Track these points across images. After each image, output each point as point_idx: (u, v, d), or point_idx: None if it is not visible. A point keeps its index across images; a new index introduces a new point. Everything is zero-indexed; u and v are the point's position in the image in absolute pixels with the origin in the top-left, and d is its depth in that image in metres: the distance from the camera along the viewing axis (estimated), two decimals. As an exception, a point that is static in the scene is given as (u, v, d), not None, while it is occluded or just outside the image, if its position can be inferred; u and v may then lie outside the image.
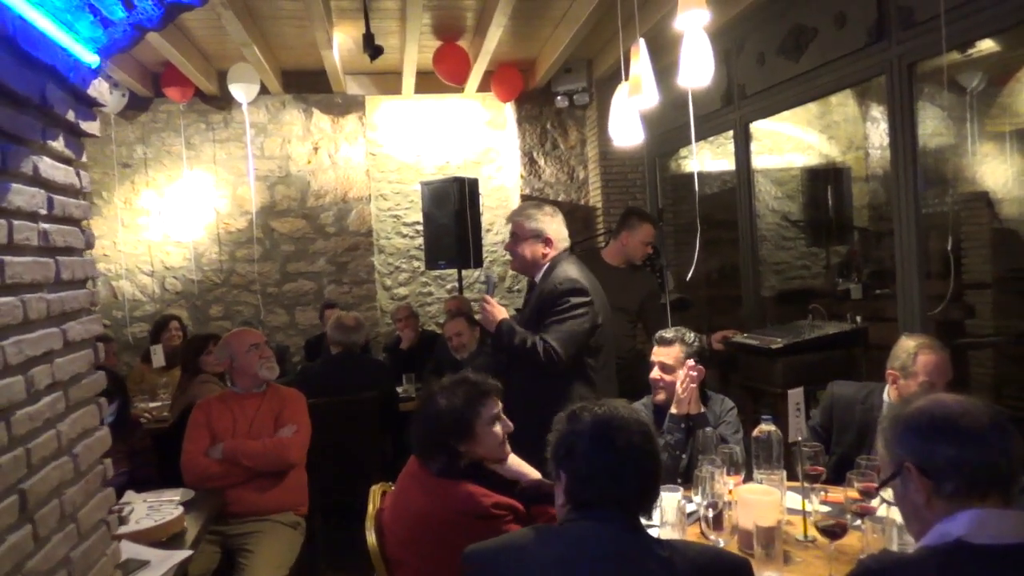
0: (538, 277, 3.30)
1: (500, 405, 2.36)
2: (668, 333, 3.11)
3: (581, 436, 1.70)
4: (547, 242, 3.25)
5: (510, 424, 2.37)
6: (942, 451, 1.45)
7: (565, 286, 3.12)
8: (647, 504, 1.71)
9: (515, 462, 2.40)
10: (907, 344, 2.84)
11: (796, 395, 2.71)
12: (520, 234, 3.27)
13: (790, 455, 2.63)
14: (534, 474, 2.40)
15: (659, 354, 3.09)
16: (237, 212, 6.98)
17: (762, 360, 4.18)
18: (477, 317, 4.40)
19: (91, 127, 2.10)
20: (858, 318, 4.26)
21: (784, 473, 2.57)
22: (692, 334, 3.09)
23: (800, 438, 2.62)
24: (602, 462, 1.66)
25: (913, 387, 2.76)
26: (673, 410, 2.96)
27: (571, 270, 3.18)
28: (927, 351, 2.79)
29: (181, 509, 2.84)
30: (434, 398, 2.31)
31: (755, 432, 2.59)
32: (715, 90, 5.53)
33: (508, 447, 2.37)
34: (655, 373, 3.09)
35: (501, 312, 3.22)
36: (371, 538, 2.36)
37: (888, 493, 1.60)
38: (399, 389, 5.06)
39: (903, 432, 1.51)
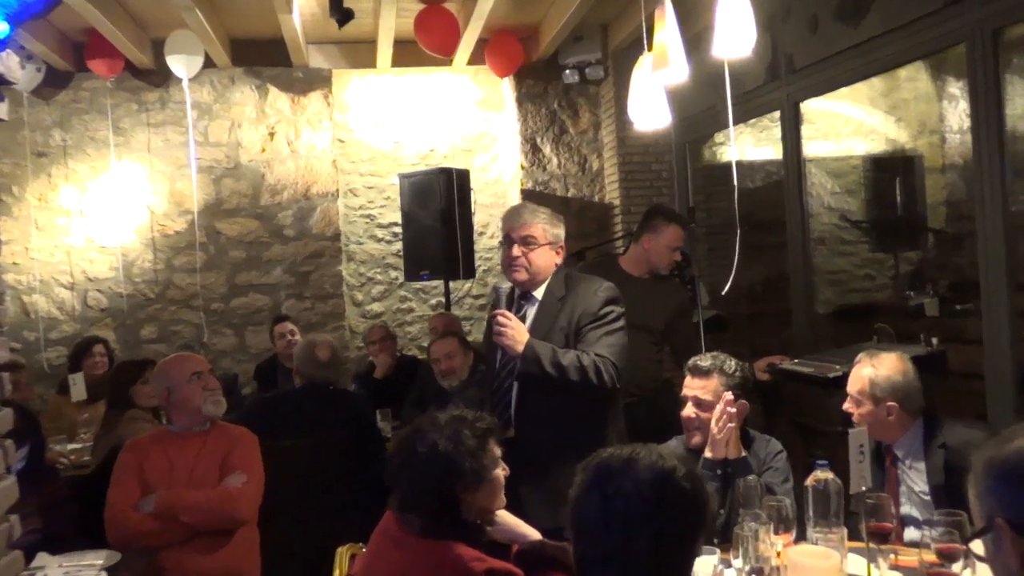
0: (540, 290, 3.36)
1: (502, 443, 2.40)
2: (704, 361, 3.11)
3: (638, 495, 1.69)
4: (561, 250, 3.41)
5: (507, 468, 2.39)
6: None
7: (606, 293, 3.32)
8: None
9: (507, 519, 2.40)
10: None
11: (859, 435, 2.70)
12: (540, 239, 3.35)
13: (851, 509, 2.61)
14: (532, 533, 2.39)
15: (693, 387, 3.09)
16: (175, 211, 6.99)
17: (817, 392, 4.16)
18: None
19: (-4, 109, 2.09)
20: (934, 340, 4.24)
21: (844, 531, 2.55)
22: (733, 362, 3.09)
23: (864, 488, 2.60)
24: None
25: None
26: (708, 454, 2.95)
27: (596, 277, 3.43)
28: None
29: (105, 575, 2.81)
30: (427, 439, 2.30)
31: (809, 480, 2.58)
32: (757, 62, 5.54)
33: (503, 496, 2.39)
34: (688, 410, 3.08)
35: (525, 330, 3.24)
36: (338, 612, 2.34)
37: (979, 547, 1.58)
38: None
39: (994, 480, 1.49)
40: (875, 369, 3.01)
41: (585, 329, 3.26)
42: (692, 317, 4.55)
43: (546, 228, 3.36)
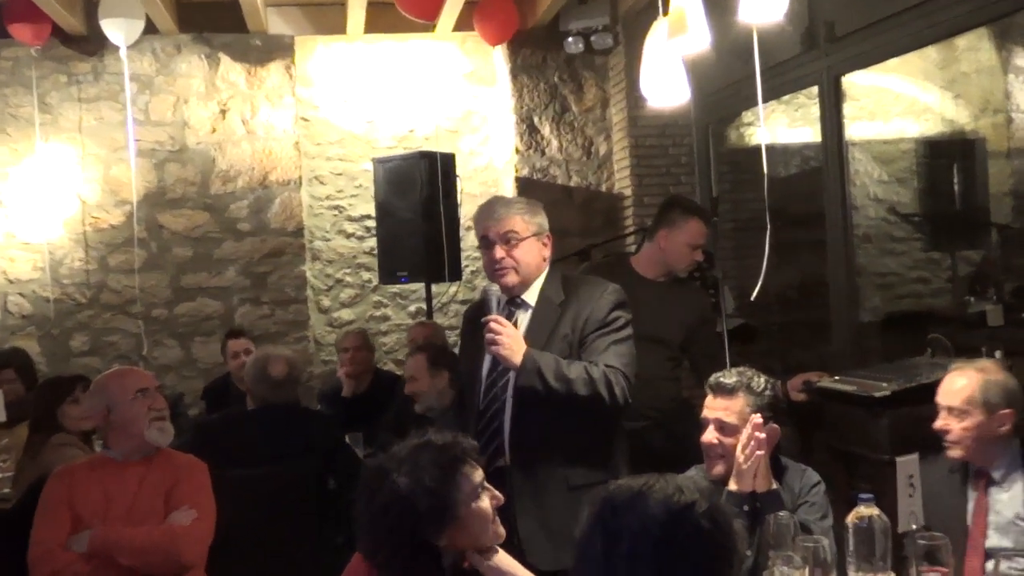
0: (532, 294, 3.37)
1: (481, 470, 2.35)
2: (728, 378, 3.11)
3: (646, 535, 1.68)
4: (548, 240, 3.43)
5: (499, 495, 2.36)
6: None
7: (614, 296, 3.36)
8: None
9: (503, 561, 2.39)
10: None
11: (909, 464, 2.72)
12: (521, 232, 3.35)
13: (900, 550, 2.62)
14: None
15: (715, 407, 3.09)
16: (111, 202, 6.98)
17: (861, 414, 4.17)
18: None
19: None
20: (997, 352, 4.26)
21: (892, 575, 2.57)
22: (762, 379, 3.10)
23: (914, 525, 2.61)
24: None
25: None
26: (732, 486, 2.96)
27: (597, 278, 3.50)
28: None
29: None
30: (387, 477, 2.27)
31: (850, 517, 2.59)
32: (791, 30, 5.56)
33: (500, 527, 2.37)
34: (710, 435, 3.08)
35: (521, 339, 3.24)
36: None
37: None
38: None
39: None
40: (984, 374, 3.05)
41: (591, 337, 3.28)
42: (715, 326, 4.55)
43: (525, 218, 3.36)
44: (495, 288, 3.42)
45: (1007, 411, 2.99)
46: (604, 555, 1.68)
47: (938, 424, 3.10)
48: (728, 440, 3.03)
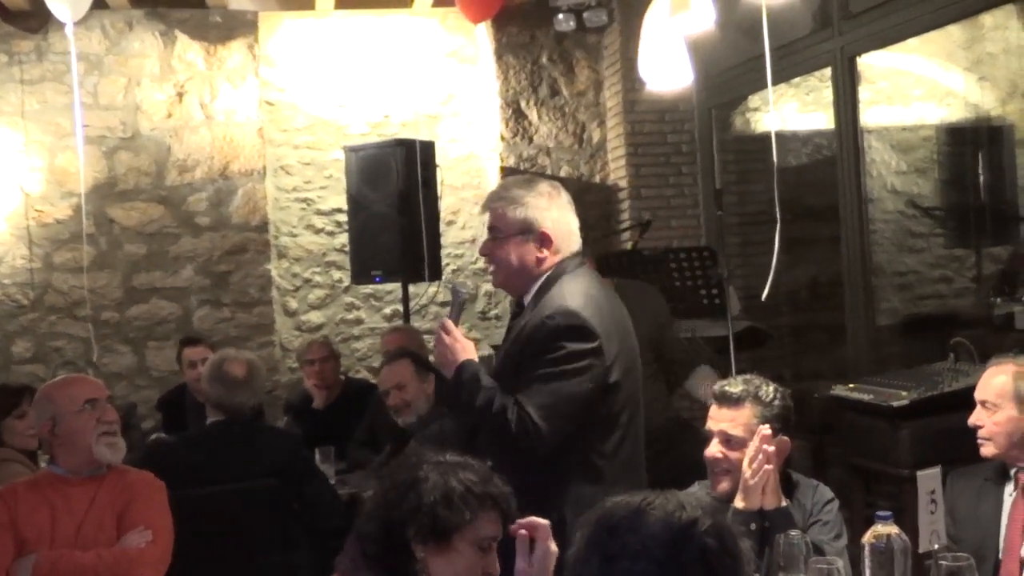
0: (528, 298, 3.26)
1: (500, 530, 2.32)
2: (734, 386, 3.11)
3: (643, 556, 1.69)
4: (543, 240, 3.20)
5: (496, 571, 2.33)
6: None
7: (557, 321, 3.06)
8: None
9: None
10: None
11: (930, 479, 2.73)
12: (502, 229, 3.23)
13: (921, 573, 2.64)
14: None
15: (720, 419, 3.09)
16: (56, 194, 6.97)
17: (878, 425, 4.20)
18: (432, 357, 4.37)
19: None
20: (1026, 358, 4.30)
21: (913, 600, 2.59)
22: (771, 387, 3.10)
23: (936, 545, 2.63)
24: None
25: None
26: (739, 503, 2.97)
27: (573, 293, 3.12)
28: None
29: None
30: (421, 465, 2.33)
31: (867, 536, 2.60)
32: (802, 6, 5.58)
33: None
34: (714, 449, 3.09)
35: (466, 347, 3.20)
36: None
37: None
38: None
39: None
40: (1020, 367, 3.12)
41: (525, 363, 3.10)
42: (675, 328, 4.55)
43: (505, 212, 3.19)
44: (464, 287, 3.39)
45: None
46: None
47: (971, 419, 3.18)
48: (734, 454, 3.03)
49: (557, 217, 3.23)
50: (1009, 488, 3.15)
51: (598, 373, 3.06)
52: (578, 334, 3.04)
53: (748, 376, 3.17)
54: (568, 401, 3.02)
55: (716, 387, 3.18)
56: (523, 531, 2.27)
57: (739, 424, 3.05)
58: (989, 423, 3.13)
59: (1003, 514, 3.12)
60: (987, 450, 3.16)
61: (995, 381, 3.16)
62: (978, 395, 3.19)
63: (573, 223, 3.28)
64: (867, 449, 4.34)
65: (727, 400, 3.10)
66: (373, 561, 2.31)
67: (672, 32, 3.43)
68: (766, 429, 2.98)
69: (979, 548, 2.97)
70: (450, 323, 3.21)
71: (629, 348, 3.21)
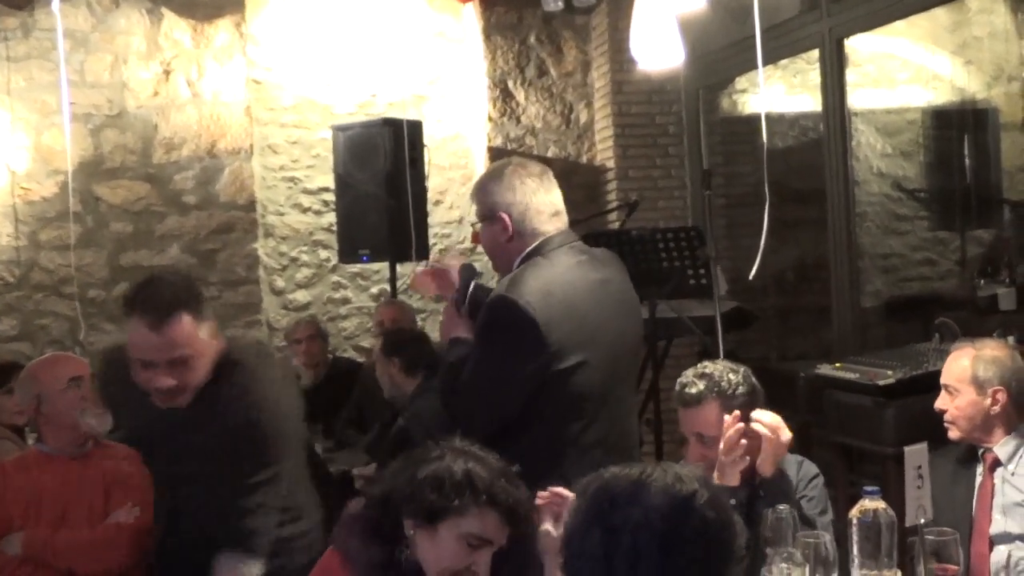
0: None
1: (495, 533, 2.32)
2: (692, 386, 3.08)
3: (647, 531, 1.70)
4: (501, 224, 3.20)
5: (484, 570, 2.33)
6: None
7: (492, 304, 3.10)
8: None
9: None
10: None
11: (916, 455, 2.75)
12: (477, 217, 3.33)
13: (907, 546, 2.67)
14: None
15: (688, 422, 3.10)
16: (42, 171, 6.93)
17: (864, 403, 4.23)
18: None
19: None
20: (1010, 338, 4.33)
21: (899, 573, 2.61)
22: (730, 374, 3.08)
23: (923, 520, 2.66)
24: None
25: None
26: (715, 480, 2.93)
27: (528, 278, 3.10)
28: None
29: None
30: (445, 445, 2.37)
31: (854, 511, 2.63)
32: (791, -13, 5.60)
33: None
34: (693, 452, 3.10)
35: (461, 325, 3.24)
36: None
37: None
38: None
39: None
40: (978, 351, 3.19)
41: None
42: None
43: (475, 200, 3.36)
44: (474, 266, 3.41)
45: (998, 388, 3.11)
46: (604, 549, 1.69)
47: (936, 404, 3.27)
48: (713, 454, 3.02)
49: (520, 198, 3.20)
50: (979, 468, 3.22)
51: (530, 356, 3.03)
52: (507, 317, 3.03)
53: (703, 367, 3.14)
54: (489, 384, 3.08)
55: (676, 387, 3.14)
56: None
57: (709, 423, 3.04)
58: (951, 407, 3.21)
59: (975, 492, 3.20)
60: (953, 433, 3.25)
61: (955, 366, 3.24)
62: (942, 380, 3.27)
63: (544, 205, 3.24)
64: (852, 428, 4.37)
65: (689, 401, 3.08)
66: (367, 527, 2.33)
67: (662, 11, 3.43)
68: (736, 414, 2.98)
69: (955, 527, 3.02)
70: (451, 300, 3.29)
71: (600, 333, 3.14)
